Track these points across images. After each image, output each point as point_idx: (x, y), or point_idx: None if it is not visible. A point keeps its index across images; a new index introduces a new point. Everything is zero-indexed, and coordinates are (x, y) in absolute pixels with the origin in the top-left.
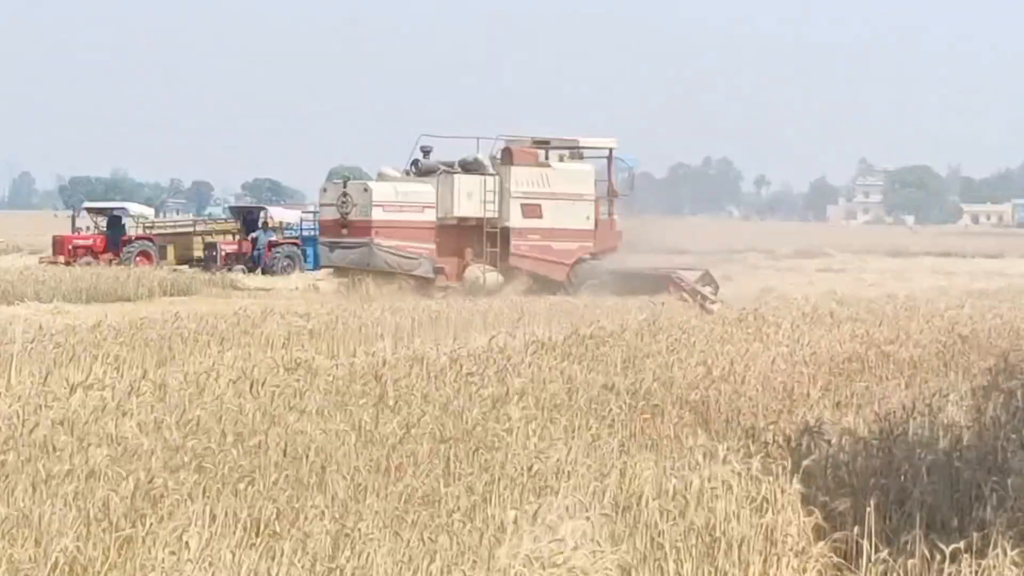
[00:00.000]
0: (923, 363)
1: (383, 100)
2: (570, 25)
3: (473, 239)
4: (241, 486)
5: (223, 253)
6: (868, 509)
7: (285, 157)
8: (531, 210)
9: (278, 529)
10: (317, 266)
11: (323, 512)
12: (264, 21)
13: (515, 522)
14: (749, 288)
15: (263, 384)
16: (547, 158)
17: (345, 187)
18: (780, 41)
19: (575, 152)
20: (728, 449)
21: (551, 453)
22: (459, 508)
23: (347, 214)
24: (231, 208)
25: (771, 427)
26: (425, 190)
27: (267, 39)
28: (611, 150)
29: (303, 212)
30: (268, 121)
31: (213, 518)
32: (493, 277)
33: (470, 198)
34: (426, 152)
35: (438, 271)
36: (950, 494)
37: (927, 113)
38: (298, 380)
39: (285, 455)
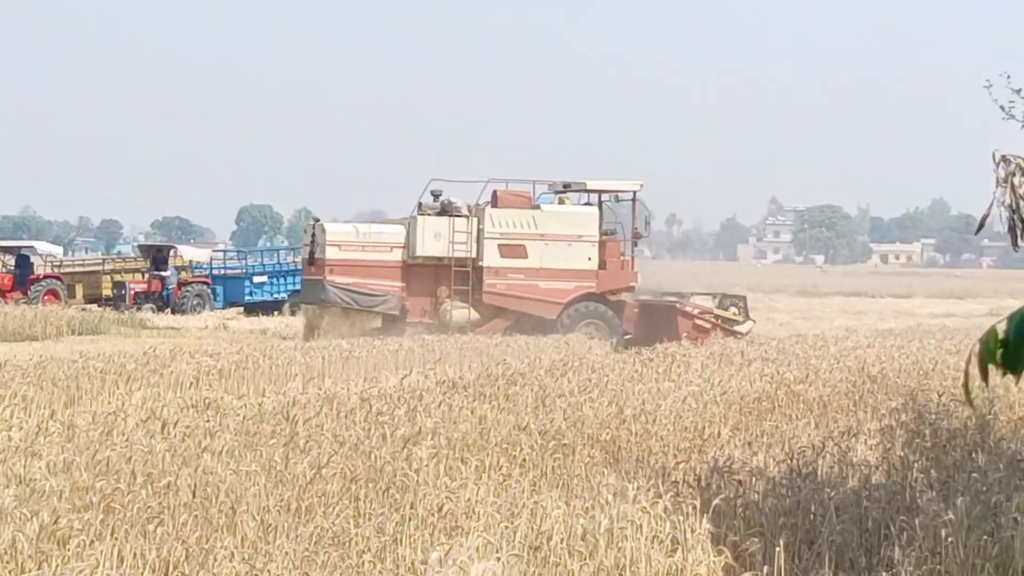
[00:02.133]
0: (832, 402)
1: (295, 139)
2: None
3: (450, 278)
4: (150, 527)
5: (132, 292)
6: (778, 548)
7: (195, 196)
8: (512, 250)
9: (187, 570)
10: (227, 305)
11: (232, 553)
12: (174, 59)
13: (425, 563)
14: None
15: (173, 424)
16: (560, 201)
17: (314, 228)
18: (691, 80)
19: (587, 194)
20: (638, 488)
21: (462, 493)
22: (370, 549)
23: (313, 253)
24: (140, 247)
25: (681, 466)
26: (394, 231)
27: (177, 77)
28: (635, 192)
29: (213, 251)
30: (178, 159)
31: (121, 559)
32: (461, 313)
33: (437, 238)
34: (436, 196)
35: (405, 308)
36: (859, 533)
37: (837, 153)
38: (208, 420)
39: (195, 496)
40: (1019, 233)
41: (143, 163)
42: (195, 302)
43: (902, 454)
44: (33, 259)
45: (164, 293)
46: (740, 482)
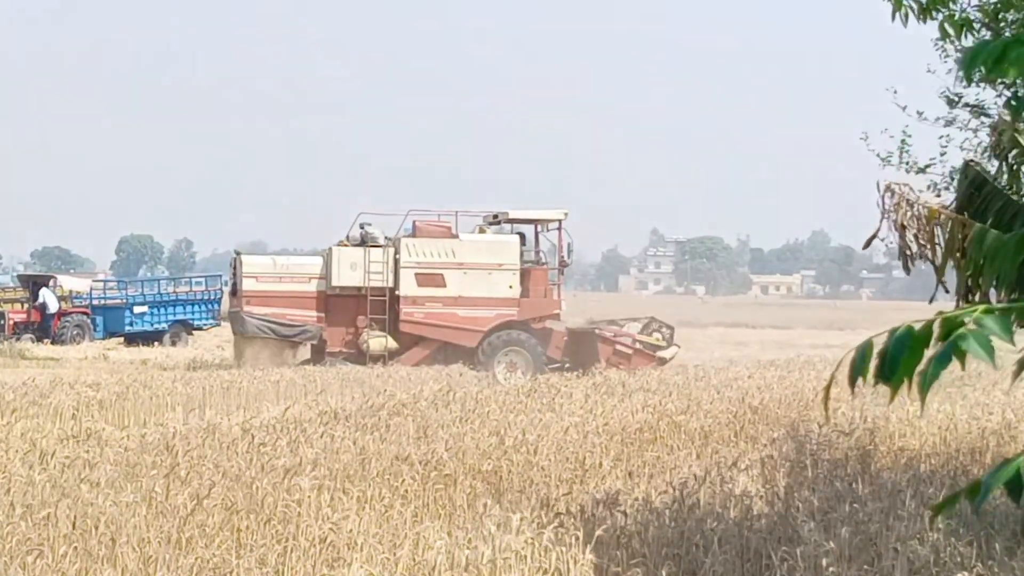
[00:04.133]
0: (714, 433)
1: (177, 168)
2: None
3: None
4: (30, 559)
5: (11, 322)
6: None
7: (75, 225)
8: (429, 279)
9: None
10: (107, 335)
11: None
12: (53, 81)
13: None
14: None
15: (52, 455)
16: (480, 230)
17: (235, 261)
18: (578, 113)
19: (506, 224)
20: (521, 519)
21: (344, 524)
22: None
23: (235, 285)
24: (20, 276)
25: (564, 497)
26: (311, 262)
27: (56, 101)
28: (560, 221)
29: (93, 281)
30: (57, 189)
31: None
32: (378, 342)
33: (353, 268)
34: (363, 227)
35: (323, 339)
36: (741, 564)
37: (717, 185)
38: (88, 451)
39: (75, 527)
40: (909, 259)
41: (22, 192)
42: (75, 332)
43: (784, 484)
44: None
45: (44, 323)
46: (624, 513)
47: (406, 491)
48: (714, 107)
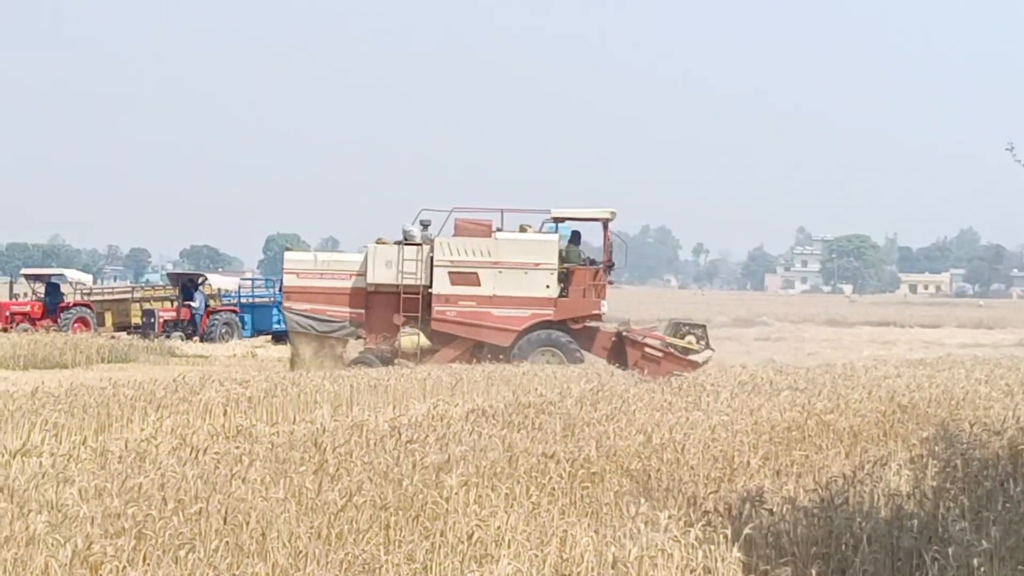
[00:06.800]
0: (863, 432)
1: (324, 169)
2: (502, 86)
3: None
4: (182, 553)
5: (161, 320)
6: None
7: (223, 224)
8: (463, 277)
9: None
10: (255, 333)
11: None
12: (201, 86)
13: None
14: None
15: (204, 451)
16: (521, 229)
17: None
18: (722, 109)
19: (551, 222)
20: (669, 517)
21: (491, 521)
22: None
23: (282, 282)
24: (169, 275)
25: (711, 495)
26: (352, 259)
27: (206, 105)
28: (606, 221)
29: (241, 279)
30: (207, 189)
31: None
32: (409, 340)
33: (388, 266)
34: (425, 225)
35: (360, 334)
36: (891, 563)
37: (865, 183)
38: (238, 447)
39: (226, 522)
40: None
41: (172, 192)
42: (223, 330)
43: (934, 484)
44: (63, 287)
45: (193, 321)
46: (771, 511)
47: (553, 489)
48: (862, 104)
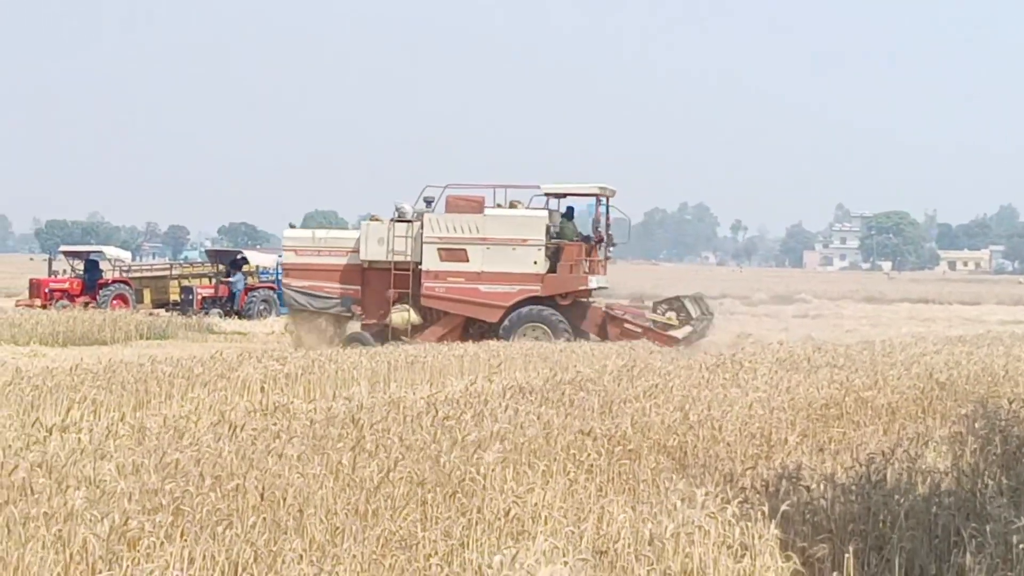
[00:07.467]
0: (901, 409)
1: (360, 147)
2: (547, 71)
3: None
4: (219, 529)
5: (199, 297)
6: (847, 555)
7: (261, 201)
8: (452, 254)
9: (256, 572)
10: None
11: (301, 555)
12: (241, 67)
13: (493, 567)
14: (725, 334)
15: (241, 428)
16: (511, 205)
17: None
18: (759, 87)
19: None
20: (706, 494)
21: (528, 497)
22: (436, 552)
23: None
24: (208, 252)
25: (749, 472)
26: (348, 236)
27: (244, 85)
28: (597, 197)
29: (279, 256)
30: (244, 165)
31: (191, 560)
32: (400, 316)
33: (380, 243)
34: (428, 202)
35: (355, 310)
36: (929, 540)
37: (904, 159)
38: (276, 424)
39: (263, 498)
40: None
41: (210, 169)
42: (261, 307)
43: (972, 461)
44: (101, 264)
45: (231, 298)
46: (808, 488)
47: (590, 465)
48: (900, 84)
